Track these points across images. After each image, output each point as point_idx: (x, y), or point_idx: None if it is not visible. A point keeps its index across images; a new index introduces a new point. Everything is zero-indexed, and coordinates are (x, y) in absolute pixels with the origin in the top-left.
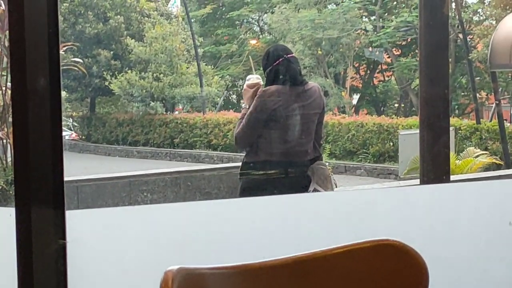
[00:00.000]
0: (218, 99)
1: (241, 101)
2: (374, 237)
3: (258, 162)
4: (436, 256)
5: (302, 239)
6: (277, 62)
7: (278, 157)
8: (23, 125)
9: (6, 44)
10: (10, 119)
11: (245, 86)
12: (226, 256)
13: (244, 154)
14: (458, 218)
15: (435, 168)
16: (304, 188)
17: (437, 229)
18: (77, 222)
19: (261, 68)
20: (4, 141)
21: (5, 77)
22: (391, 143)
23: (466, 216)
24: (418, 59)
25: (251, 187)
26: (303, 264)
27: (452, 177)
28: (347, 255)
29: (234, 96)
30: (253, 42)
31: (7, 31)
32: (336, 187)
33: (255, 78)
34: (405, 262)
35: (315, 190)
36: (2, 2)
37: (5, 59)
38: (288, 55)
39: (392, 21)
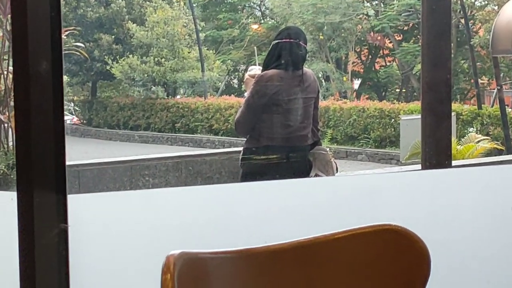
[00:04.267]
0: (220, 83)
1: (243, 88)
2: (376, 221)
3: (260, 147)
4: (437, 241)
5: (304, 224)
6: (285, 40)
7: (280, 142)
8: (25, 109)
9: (8, 28)
10: (12, 103)
11: (247, 75)
12: (228, 240)
13: (245, 140)
14: (459, 203)
15: (437, 153)
16: (305, 173)
17: (439, 214)
18: (79, 206)
19: (263, 54)
20: (6, 125)
21: (6, 61)
22: (393, 128)
23: (468, 201)
24: (420, 44)
25: (253, 172)
26: (306, 248)
27: (453, 163)
28: (349, 239)
29: (236, 81)
30: (254, 27)
31: (9, 15)
32: (337, 171)
33: (257, 69)
34: (406, 247)
35: (316, 175)
36: None
37: (7, 43)
38: (300, 41)
39: (394, 5)
